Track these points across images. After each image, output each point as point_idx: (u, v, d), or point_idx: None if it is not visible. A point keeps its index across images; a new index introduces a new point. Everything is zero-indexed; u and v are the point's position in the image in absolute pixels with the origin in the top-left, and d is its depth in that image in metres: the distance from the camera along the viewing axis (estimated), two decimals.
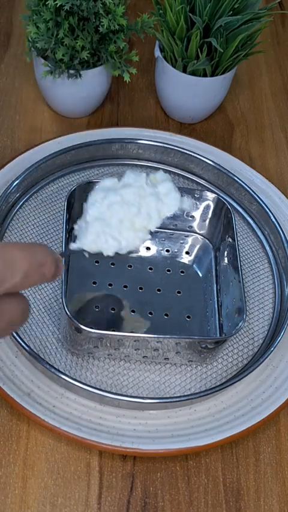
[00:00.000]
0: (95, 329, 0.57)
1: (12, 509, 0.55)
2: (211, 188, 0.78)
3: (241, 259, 0.73)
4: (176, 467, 0.59)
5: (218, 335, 0.65)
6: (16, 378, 0.60)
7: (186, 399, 0.60)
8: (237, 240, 0.66)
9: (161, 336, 0.59)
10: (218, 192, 0.77)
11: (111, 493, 0.57)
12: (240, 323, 0.60)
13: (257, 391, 0.63)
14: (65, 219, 0.63)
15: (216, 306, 0.68)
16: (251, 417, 0.60)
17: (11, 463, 0.57)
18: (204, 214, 0.70)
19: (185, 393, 0.62)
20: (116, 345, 0.59)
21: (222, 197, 0.69)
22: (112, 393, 0.58)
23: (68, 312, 0.57)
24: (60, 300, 0.62)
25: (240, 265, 0.64)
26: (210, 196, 0.69)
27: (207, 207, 0.69)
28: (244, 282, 0.71)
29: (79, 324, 0.56)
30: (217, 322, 0.67)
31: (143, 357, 0.62)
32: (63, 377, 0.58)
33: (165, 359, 0.62)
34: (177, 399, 0.60)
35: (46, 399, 0.59)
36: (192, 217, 0.71)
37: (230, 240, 0.67)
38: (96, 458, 0.59)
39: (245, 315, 0.60)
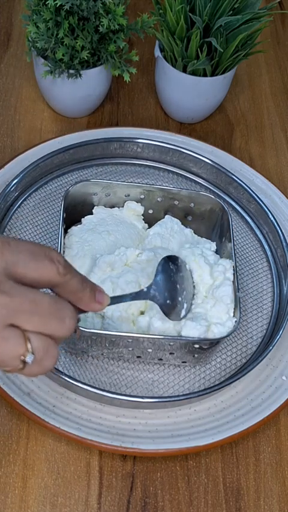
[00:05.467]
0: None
1: (12, 509, 0.55)
2: (210, 187, 0.78)
3: (240, 258, 0.73)
4: (176, 467, 0.59)
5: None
6: (16, 378, 0.60)
7: (185, 399, 0.60)
8: (234, 243, 0.66)
9: (154, 336, 0.59)
10: (217, 191, 0.77)
11: (111, 492, 0.57)
12: (233, 325, 0.60)
13: (257, 391, 0.63)
14: (61, 218, 0.64)
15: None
16: (251, 417, 0.60)
17: (11, 462, 0.57)
18: (202, 215, 0.70)
19: (184, 392, 0.62)
20: (109, 344, 0.59)
21: (220, 199, 0.69)
22: (111, 392, 0.58)
23: None
24: None
25: (236, 269, 0.64)
26: (208, 197, 0.69)
27: (205, 208, 0.69)
28: (243, 281, 0.71)
29: None
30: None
31: (137, 356, 0.62)
32: (63, 376, 0.58)
33: (159, 359, 0.62)
34: (176, 399, 0.60)
35: (46, 399, 0.59)
36: (190, 218, 0.71)
37: (227, 241, 0.67)
38: (96, 458, 0.59)
39: (239, 317, 0.60)
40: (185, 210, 0.70)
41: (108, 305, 0.48)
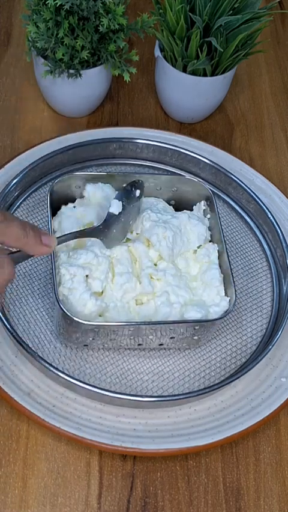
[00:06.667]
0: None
1: (12, 509, 0.55)
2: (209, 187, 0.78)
3: (239, 258, 0.73)
4: (176, 467, 0.59)
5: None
6: (16, 378, 0.60)
7: (185, 398, 0.60)
8: (221, 224, 0.67)
9: (155, 322, 0.60)
10: (217, 191, 0.78)
11: (111, 492, 0.57)
12: (229, 304, 0.62)
13: (257, 391, 0.63)
14: (49, 214, 0.64)
15: None
16: (251, 417, 0.60)
17: (11, 462, 0.57)
18: (185, 199, 0.71)
19: (184, 392, 0.62)
20: (111, 335, 0.60)
21: (202, 182, 0.70)
22: (111, 391, 0.59)
23: (61, 306, 0.57)
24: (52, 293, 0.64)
25: (226, 247, 0.65)
26: (190, 181, 0.70)
27: (187, 191, 0.70)
28: (242, 280, 0.71)
29: (74, 317, 0.57)
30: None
31: (138, 344, 0.62)
32: (63, 376, 0.58)
33: (159, 344, 0.63)
34: (175, 398, 0.60)
35: (46, 399, 0.59)
36: (174, 203, 0.71)
37: (214, 223, 0.67)
38: (96, 457, 0.59)
39: (234, 296, 0.61)
40: (168, 195, 0.71)
41: (57, 245, 0.50)
